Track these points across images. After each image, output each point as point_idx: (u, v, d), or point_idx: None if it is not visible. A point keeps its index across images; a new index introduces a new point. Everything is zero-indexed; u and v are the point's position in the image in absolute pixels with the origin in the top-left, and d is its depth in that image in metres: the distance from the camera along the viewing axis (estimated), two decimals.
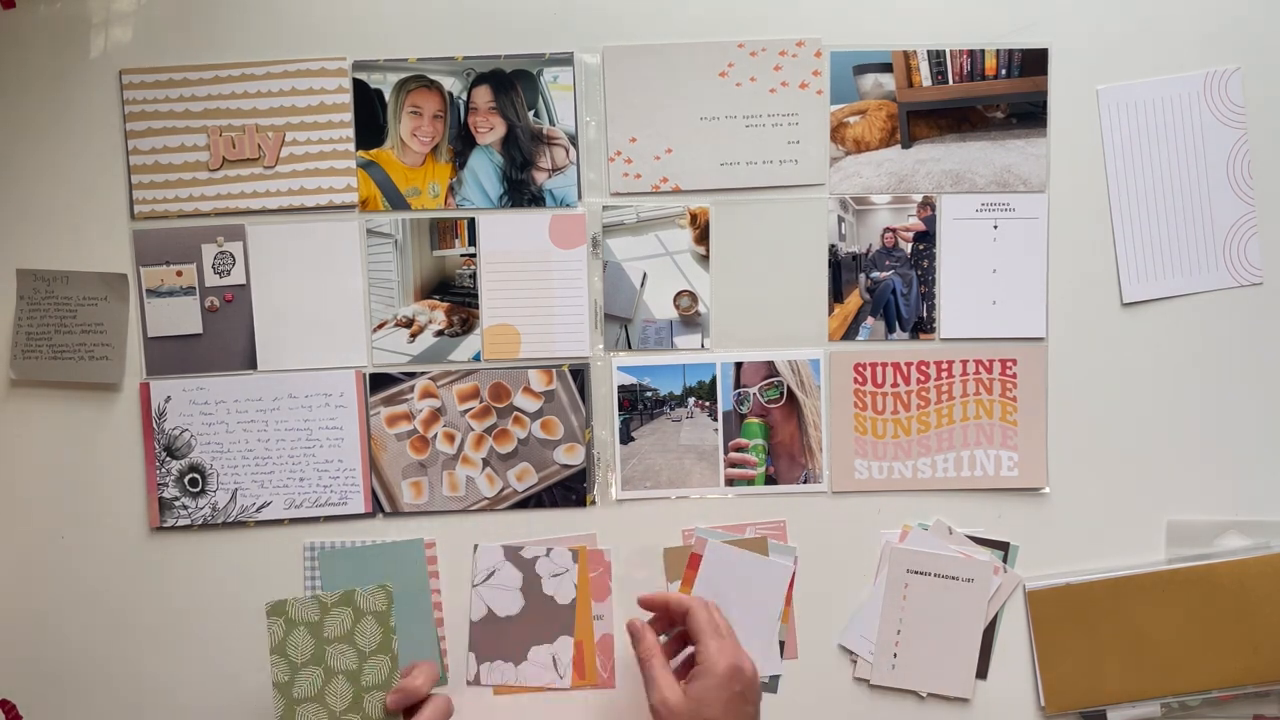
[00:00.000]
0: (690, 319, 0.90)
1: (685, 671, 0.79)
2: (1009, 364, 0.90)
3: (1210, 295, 0.89)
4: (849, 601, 0.91)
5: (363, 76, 0.89)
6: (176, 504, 0.90)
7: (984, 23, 0.89)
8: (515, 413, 0.91)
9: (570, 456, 0.91)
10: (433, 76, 0.89)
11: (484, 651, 0.91)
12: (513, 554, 0.91)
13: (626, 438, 0.91)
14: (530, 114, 0.89)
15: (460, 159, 0.90)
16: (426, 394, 0.90)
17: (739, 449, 0.91)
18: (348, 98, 0.89)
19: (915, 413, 0.90)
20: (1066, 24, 0.88)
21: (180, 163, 0.89)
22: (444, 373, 0.90)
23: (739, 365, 0.90)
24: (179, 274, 0.90)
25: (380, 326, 0.90)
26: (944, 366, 0.90)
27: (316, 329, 0.90)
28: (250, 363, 0.90)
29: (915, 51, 0.89)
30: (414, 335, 0.90)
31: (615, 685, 0.91)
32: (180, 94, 0.89)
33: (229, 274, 0.90)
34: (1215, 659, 0.87)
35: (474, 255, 0.90)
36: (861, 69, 0.89)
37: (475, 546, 0.91)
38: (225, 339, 0.90)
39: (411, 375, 0.90)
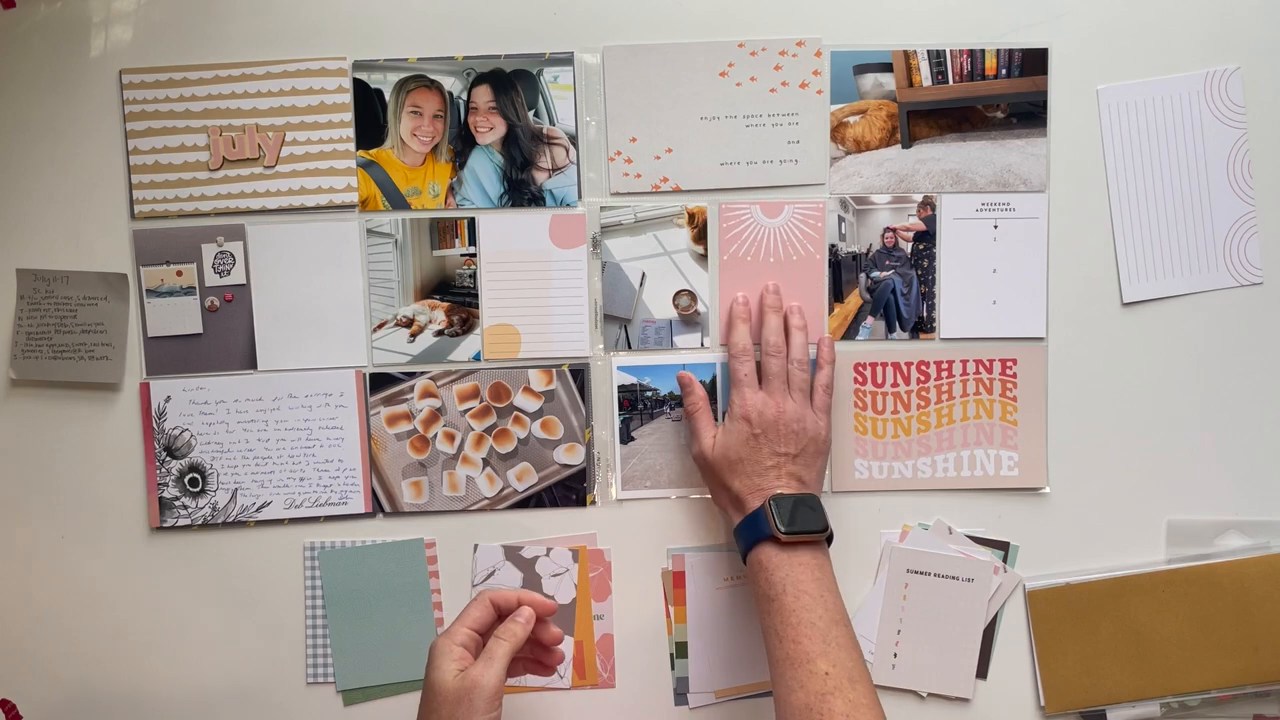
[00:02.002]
0: (690, 318, 0.90)
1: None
2: (1009, 364, 0.90)
3: (1210, 295, 0.89)
4: (849, 601, 0.90)
5: (363, 76, 0.89)
6: (176, 504, 0.90)
7: (984, 23, 0.89)
8: (515, 413, 0.91)
9: (570, 456, 0.91)
10: (433, 76, 0.89)
11: None
12: (513, 554, 0.91)
13: (626, 438, 0.91)
14: (530, 114, 0.89)
15: (460, 159, 0.90)
16: (426, 394, 0.90)
17: None
18: (348, 98, 0.89)
19: (915, 413, 0.90)
20: (1066, 24, 0.88)
21: (180, 163, 0.89)
22: (444, 373, 0.90)
23: None
24: (179, 274, 0.90)
25: (380, 326, 0.90)
26: (944, 366, 0.90)
27: (316, 329, 0.90)
28: (250, 363, 0.90)
29: (915, 51, 0.89)
30: (414, 335, 0.90)
31: (615, 685, 0.91)
32: (180, 94, 0.89)
33: (229, 274, 0.90)
34: (1215, 659, 0.87)
35: (474, 255, 0.90)
36: (861, 69, 0.89)
37: (475, 546, 0.91)
38: (225, 339, 0.90)
39: (411, 375, 0.90)
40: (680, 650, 0.90)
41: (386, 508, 0.91)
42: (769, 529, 0.77)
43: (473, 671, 0.72)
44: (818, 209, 0.90)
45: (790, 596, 0.75)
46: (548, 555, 0.91)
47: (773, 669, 0.75)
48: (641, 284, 0.90)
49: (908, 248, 0.90)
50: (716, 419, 0.89)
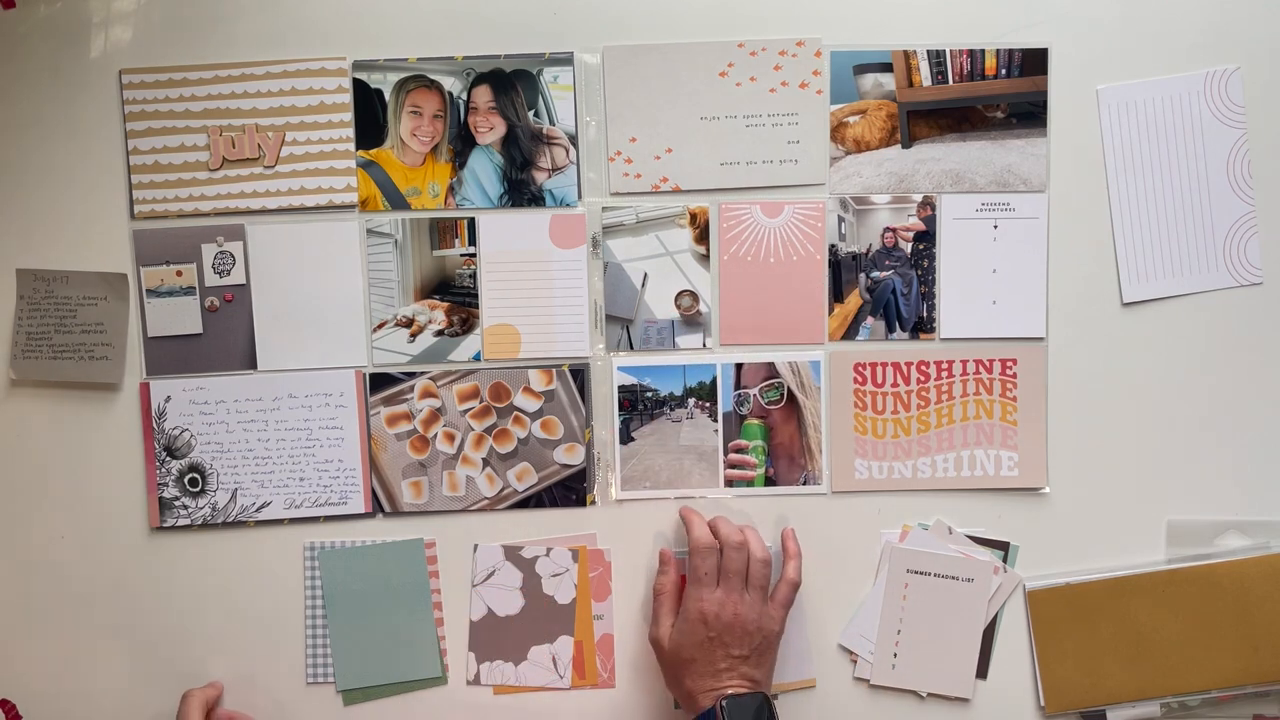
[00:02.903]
0: (691, 319, 0.90)
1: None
2: (1009, 364, 0.90)
3: (1210, 295, 0.89)
4: (849, 601, 0.91)
5: (363, 76, 0.89)
6: (176, 504, 0.90)
7: (984, 23, 0.89)
8: (515, 413, 0.91)
9: (570, 456, 0.91)
10: (433, 76, 0.89)
11: (484, 651, 0.91)
12: (513, 554, 0.91)
13: (626, 438, 0.91)
14: (530, 114, 0.89)
15: (460, 159, 0.90)
16: (426, 394, 0.90)
17: (739, 450, 0.91)
18: (348, 98, 0.89)
19: (915, 413, 0.90)
20: (1066, 24, 0.88)
21: (180, 163, 0.89)
22: (444, 373, 0.90)
23: (739, 366, 0.90)
24: (179, 274, 0.90)
25: (380, 326, 0.90)
26: (944, 366, 0.90)
27: (316, 329, 0.90)
28: (250, 363, 0.90)
29: (915, 51, 0.89)
30: (414, 335, 0.90)
31: (615, 685, 0.91)
32: (180, 94, 0.89)
33: (229, 274, 0.90)
34: (1215, 659, 0.87)
35: (474, 255, 0.90)
36: (861, 69, 0.89)
37: (475, 546, 0.91)
38: (225, 339, 0.90)
39: (411, 375, 0.90)
40: None
41: (386, 508, 0.91)
42: None
43: None
44: (818, 209, 0.90)
45: None
46: (548, 555, 0.91)
47: None
48: (644, 284, 0.90)
49: (908, 248, 0.90)
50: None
